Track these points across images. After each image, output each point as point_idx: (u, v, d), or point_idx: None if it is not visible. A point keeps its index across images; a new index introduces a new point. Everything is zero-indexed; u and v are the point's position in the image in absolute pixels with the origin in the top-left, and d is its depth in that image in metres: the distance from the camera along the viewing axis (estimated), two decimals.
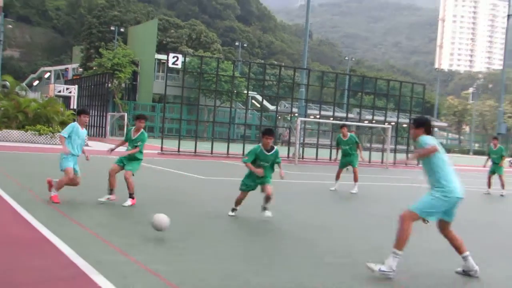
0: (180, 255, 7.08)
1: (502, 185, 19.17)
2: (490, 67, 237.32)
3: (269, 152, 10.04)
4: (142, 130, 11.46)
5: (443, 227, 7.05)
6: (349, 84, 48.18)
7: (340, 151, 17.30)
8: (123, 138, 11.92)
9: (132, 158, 11.36)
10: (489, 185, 19.59)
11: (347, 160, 16.96)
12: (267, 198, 10.08)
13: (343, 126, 18.51)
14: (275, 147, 10.24)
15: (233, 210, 10.44)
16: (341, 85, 48.91)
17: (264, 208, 10.17)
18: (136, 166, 11.39)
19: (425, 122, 7.29)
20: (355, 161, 17.12)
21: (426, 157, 6.93)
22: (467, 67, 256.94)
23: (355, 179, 16.77)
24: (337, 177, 17.02)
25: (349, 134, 17.45)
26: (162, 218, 7.80)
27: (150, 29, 79.68)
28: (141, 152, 11.47)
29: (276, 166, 10.38)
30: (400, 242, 6.57)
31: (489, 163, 20.27)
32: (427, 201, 6.82)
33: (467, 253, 6.94)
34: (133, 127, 11.46)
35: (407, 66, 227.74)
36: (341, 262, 7.33)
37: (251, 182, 10.27)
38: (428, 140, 6.87)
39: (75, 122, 11.68)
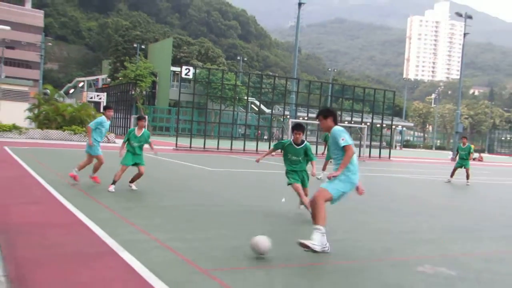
0: (194, 234, 7.05)
1: (468, 176, 19.04)
2: (449, 77, 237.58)
3: (298, 146, 8.97)
4: (144, 128, 11.33)
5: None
6: (332, 91, 48.33)
7: (327, 146, 17.46)
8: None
9: (140, 154, 11.20)
10: (452, 175, 19.49)
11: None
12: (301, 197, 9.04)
13: None
14: (305, 141, 9.16)
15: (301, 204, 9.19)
16: (325, 92, 48.85)
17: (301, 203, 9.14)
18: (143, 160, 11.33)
19: (332, 112, 6.67)
20: None
21: (338, 148, 6.32)
22: (430, 76, 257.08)
23: None
24: (324, 168, 17.13)
25: None
26: (263, 242, 5.70)
27: (166, 46, 79.60)
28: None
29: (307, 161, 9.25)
30: (320, 218, 6.02)
31: (457, 158, 20.11)
32: (334, 184, 6.20)
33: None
34: (136, 127, 11.25)
35: (380, 76, 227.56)
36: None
37: (295, 175, 9.05)
38: (343, 134, 6.28)
39: (103, 116, 11.78)
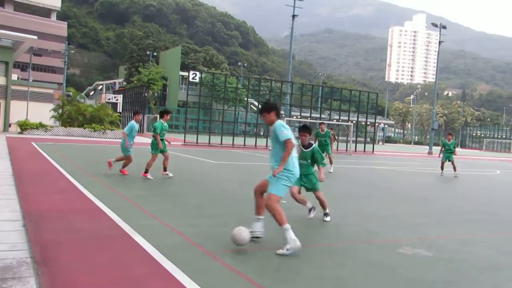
0: (201, 220, 7.01)
1: (454, 168, 18.78)
2: (426, 80, 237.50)
3: (306, 148, 7.51)
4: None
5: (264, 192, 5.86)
6: (322, 93, 48.10)
7: (317, 142, 17.35)
8: (157, 131, 11.67)
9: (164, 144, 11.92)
10: (442, 168, 19.13)
11: (323, 149, 16.96)
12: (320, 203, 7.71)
13: (321, 123, 18.88)
14: (314, 144, 7.75)
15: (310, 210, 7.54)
16: (316, 93, 48.69)
17: (325, 214, 7.65)
18: None
19: (275, 106, 6.06)
20: (329, 149, 17.37)
21: (279, 143, 5.70)
22: (409, 80, 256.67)
23: (330, 162, 17.08)
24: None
25: (326, 129, 17.63)
26: (239, 234, 5.34)
27: (176, 53, 79.34)
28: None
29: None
30: (280, 219, 5.45)
31: (442, 153, 19.68)
32: (279, 185, 5.61)
33: (262, 217, 5.92)
34: (161, 120, 11.80)
35: (365, 79, 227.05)
36: (318, 222, 7.29)
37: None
38: (285, 129, 5.67)
39: (133, 121, 11.91)
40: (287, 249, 5.28)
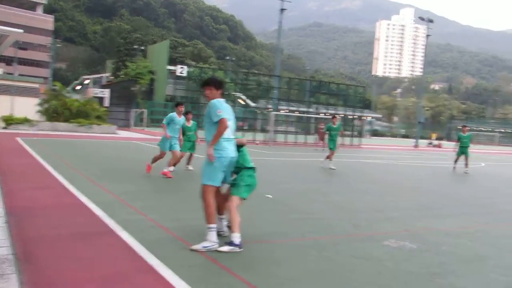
0: (186, 214, 6.99)
1: (466, 164, 17.90)
2: (413, 73, 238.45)
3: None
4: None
5: (217, 192, 5.35)
6: (310, 87, 48.12)
7: (328, 136, 16.73)
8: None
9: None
10: (456, 162, 18.49)
11: (334, 143, 16.43)
12: None
13: (333, 116, 17.70)
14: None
15: None
16: (304, 87, 48.71)
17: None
18: None
19: (216, 81, 5.48)
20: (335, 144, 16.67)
21: (212, 122, 5.21)
22: (396, 73, 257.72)
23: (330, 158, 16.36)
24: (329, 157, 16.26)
25: (338, 123, 17.00)
26: None
27: (163, 47, 78.87)
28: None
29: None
30: (209, 217, 5.13)
31: (457, 146, 18.73)
32: (207, 169, 5.25)
33: (224, 216, 5.61)
34: (175, 114, 11.52)
35: (352, 73, 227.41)
36: (304, 217, 7.29)
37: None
38: (220, 107, 5.21)
39: (174, 113, 11.61)
40: (204, 247, 4.97)
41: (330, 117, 19.31)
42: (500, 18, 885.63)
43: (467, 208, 9.56)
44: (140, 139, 29.15)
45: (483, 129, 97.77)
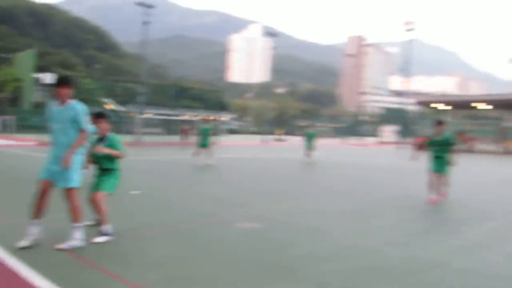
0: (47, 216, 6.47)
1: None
2: (262, 80, 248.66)
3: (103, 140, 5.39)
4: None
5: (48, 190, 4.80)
6: (174, 92, 47.66)
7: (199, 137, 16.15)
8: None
9: None
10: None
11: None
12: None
13: (205, 119, 17.34)
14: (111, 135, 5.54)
15: None
16: (168, 93, 47.99)
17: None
18: None
19: (73, 81, 4.70)
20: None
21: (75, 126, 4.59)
22: (247, 80, 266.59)
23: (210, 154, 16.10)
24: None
25: (210, 124, 16.63)
26: None
27: (29, 56, 71.83)
28: None
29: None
30: (77, 215, 4.75)
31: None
32: (76, 172, 4.78)
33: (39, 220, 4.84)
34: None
35: (212, 80, 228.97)
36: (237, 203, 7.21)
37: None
38: (83, 113, 4.59)
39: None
40: (69, 245, 4.62)
41: (201, 119, 19.12)
42: (328, 34, 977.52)
43: (311, 190, 10.29)
44: (7, 145, 26.22)
45: (319, 124, 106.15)
